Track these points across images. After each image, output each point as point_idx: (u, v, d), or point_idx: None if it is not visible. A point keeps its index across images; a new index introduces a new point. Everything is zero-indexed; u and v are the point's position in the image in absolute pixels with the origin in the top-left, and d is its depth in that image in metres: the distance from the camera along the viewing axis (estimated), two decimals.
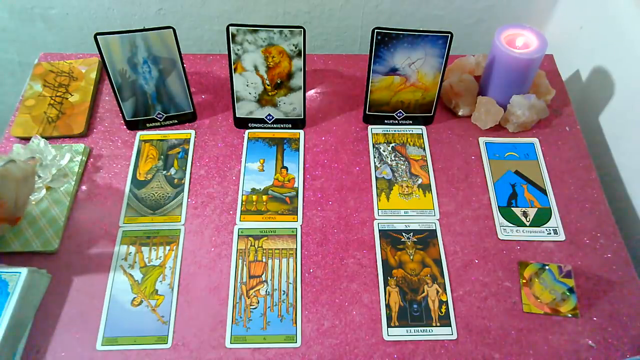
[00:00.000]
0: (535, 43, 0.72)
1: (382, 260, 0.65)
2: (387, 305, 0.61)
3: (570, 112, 0.80)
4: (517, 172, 0.73)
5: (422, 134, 0.78)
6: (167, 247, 0.65)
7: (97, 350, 0.58)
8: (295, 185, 0.71)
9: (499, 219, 0.69)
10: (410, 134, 0.78)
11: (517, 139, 0.77)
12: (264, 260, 0.64)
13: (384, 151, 0.75)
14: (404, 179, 0.73)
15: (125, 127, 0.77)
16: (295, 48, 0.70)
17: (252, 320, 0.60)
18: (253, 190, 0.71)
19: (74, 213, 0.68)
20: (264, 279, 0.63)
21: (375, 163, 0.74)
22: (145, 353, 0.58)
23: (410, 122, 0.78)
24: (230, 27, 0.68)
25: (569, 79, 0.89)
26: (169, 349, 0.58)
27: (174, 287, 0.62)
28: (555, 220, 0.68)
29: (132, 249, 0.65)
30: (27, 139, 0.73)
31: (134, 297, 0.61)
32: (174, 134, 0.77)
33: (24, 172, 0.59)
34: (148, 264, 0.64)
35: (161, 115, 0.76)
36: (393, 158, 0.75)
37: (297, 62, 0.71)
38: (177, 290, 0.62)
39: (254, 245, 0.66)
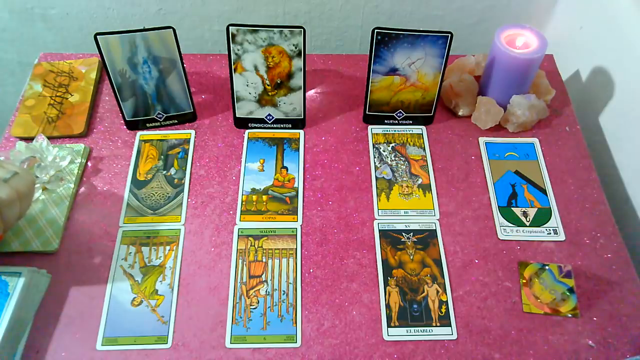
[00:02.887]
0: (535, 43, 0.72)
1: (382, 260, 0.65)
2: (387, 305, 0.61)
3: (570, 112, 0.80)
4: (517, 172, 0.73)
5: (422, 134, 0.78)
6: (167, 247, 0.65)
7: (97, 350, 0.58)
8: (295, 185, 0.71)
9: (499, 219, 0.69)
10: (410, 134, 0.78)
11: (517, 139, 0.77)
12: (264, 260, 0.64)
13: (384, 151, 0.75)
14: (404, 179, 0.73)
15: (125, 127, 0.77)
16: (295, 48, 0.70)
17: (252, 320, 0.60)
18: (253, 190, 0.71)
19: (73, 213, 0.68)
20: (264, 279, 0.63)
21: (375, 163, 0.74)
22: (145, 353, 0.58)
23: (410, 122, 0.78)
24: (230, 27, 0.67)
25: (569, 79, 0.89)
26: (169, 349, 0.58)
27: (174, 287, 0.62)
28: (555, 220, 0.68)
29: (132, 249, 0.65)
30: (27, 139, 0.73)
31: (134, 297, 0.61)
32: (174, 134, 0.77)
33: (28, 184, 0.56)
34: (148, 264, 0.64)
35: (161, 115, 0.76)
36: (393, 158, 0.75)
37: (297, 62, 0.71)
38: (177, 290, 0.62)
39: (254, 245, 0.66)
